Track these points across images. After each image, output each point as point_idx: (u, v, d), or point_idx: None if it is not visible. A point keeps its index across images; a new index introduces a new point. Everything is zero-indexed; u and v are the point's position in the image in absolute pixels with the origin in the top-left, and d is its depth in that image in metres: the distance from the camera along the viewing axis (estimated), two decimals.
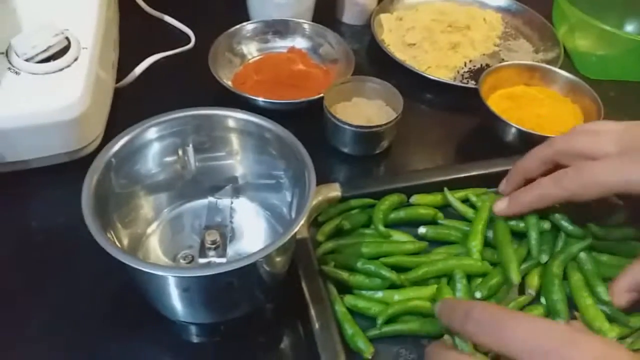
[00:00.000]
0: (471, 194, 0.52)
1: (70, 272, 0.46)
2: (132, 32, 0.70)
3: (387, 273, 0.44)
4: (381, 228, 0.48)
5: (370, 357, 0.41)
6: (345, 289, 0.45)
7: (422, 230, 0.49)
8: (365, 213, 0.50)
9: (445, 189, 0.52)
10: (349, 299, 0.44)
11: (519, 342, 0.30)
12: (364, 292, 0.45)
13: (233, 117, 0.42)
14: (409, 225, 0.50)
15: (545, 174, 0.46)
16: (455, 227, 0.50)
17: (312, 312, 0.41)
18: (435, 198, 0.52)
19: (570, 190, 0.43)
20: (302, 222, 0.36)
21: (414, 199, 0.52)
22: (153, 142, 0.42)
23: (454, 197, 0.51)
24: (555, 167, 0.46)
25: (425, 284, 0.46)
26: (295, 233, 0.36)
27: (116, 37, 0.66)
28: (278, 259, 0.39)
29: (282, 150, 0.42)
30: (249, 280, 0.38)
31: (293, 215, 0.43)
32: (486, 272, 0.46)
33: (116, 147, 0.39)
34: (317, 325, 0.41)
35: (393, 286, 0.45)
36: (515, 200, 0.47)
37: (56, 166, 0.52)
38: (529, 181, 0.48)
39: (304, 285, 0.43)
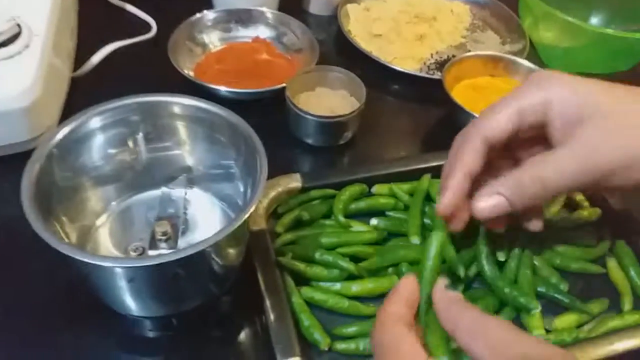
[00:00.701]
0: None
1: (20, 266, 0.44)
2: (92, 20, 0.68)
3: (344, 264, 0.44)
4: (341, 218, 0.48)
5: (326, 349, 0.41)
6: (304, 281, 0.44)
7: (373, 221, 0.49)
8: (326, 204, 0.49)
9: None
10: (306, 291, 0.43)
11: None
12: (322, 283, 0.44)
13: (180, 103, 0.41)
14: (371, 215, 0.50)
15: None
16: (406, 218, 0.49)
17: (268, 303, 0.41)
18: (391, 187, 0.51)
19: (478, 125, 0.40)
20: (251, 209, 0.35)
21: (375, 189, 0.51)
22: (97, 131, 0.41)
23: (398, 188, 0.51)
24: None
25: (382, 274, 0.45)
26: (246, 222, 0.35)
27: (74, 25, 0.64)
28: (229, 249, 0.38)
29: (232, 137, 0.41)
30: (197, 270, 0.37)
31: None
32: None
33: (57, 138, 0.38)
34: (272, 317, 0.40)
35: (351, 277, 0.44)
36: (445, 188, 0.40)
37: (7, 157, 0.50)
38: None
39: (259, 276, 0.42)
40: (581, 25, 0.64)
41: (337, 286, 0.44)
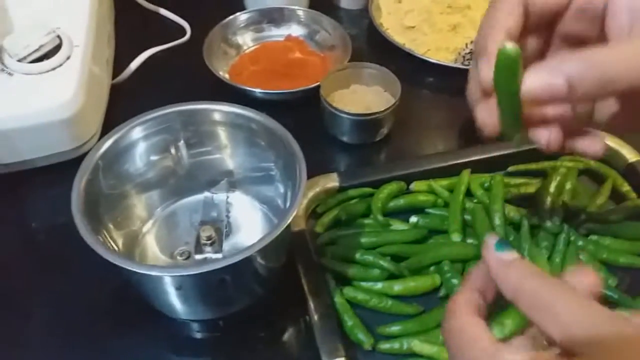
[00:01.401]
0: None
1: (71, 271, 0.46)
2: (128, 26, 0.69)
3: (385, 263, 0.44)
4: (380, 217, 0.48)
5: (370, 349, 0.41)
6: (345, 280, 0.45)
7: (413, 219, 0.48)
8: (364, 202, 0.49)
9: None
10: (348, 291, 0.44)
11: None
12: (363, 283, 0.44)
13: (219, 110, 0.42)
14: (410, 213, 0.49)
15: None
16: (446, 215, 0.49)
17: (311, 304, 0.41)
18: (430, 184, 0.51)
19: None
20: (293, 215, 0.35)
21: (414, 186, 0.51)
22: (140, 141, 0.42)
23: (437, 185, 0.50)
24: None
25: (425, 272, 0.45)
26: (289, 226, 0.36)
27: (111, 33, 0.65)
28: (272, 253, 0.39)
29: (271, 141, 0.42)
30: (243, 275, 0.38)
31: (288, 205, 0.42)
32: (475, 255, 0.45)
33: (102, 149, 0.39)
34: (315, 317, 0.41)
35: (393, 276, 0.44)
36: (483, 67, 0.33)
37: (54, 165, 0.52)
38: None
39: (302, 278, 0.43)
40: None
41: (379, 286, 0.44)
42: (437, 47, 0.67)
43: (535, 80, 0.29)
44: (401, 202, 0.50)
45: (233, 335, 0.43)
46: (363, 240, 0.46)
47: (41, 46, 0.51)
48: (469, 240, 0.47)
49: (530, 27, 0.33)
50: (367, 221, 0.49)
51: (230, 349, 0.42)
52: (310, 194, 0.48)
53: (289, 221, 0.35)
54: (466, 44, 0.69)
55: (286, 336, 0.43)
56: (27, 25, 0.52)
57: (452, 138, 0.60)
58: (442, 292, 0.44)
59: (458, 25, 0.70)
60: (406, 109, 0.58)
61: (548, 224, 0.47)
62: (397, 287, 0.44)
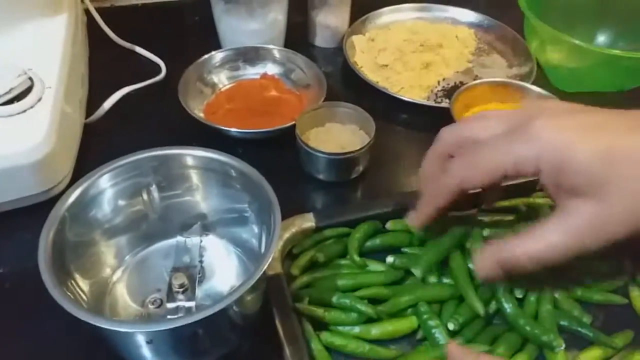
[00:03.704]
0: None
1: (41, 319, 0.45)
2: (102, 64, 0.69)
3: (363, 307, 0.43)
4: (356, 258, 0.47)
5: None
6: (322, 324, 0.44)
7: (389, 259, 0.48)
8: (341, 243, 0.49)
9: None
10: (326, 337, 0.43)
11: None
12: (340, 327, 0.44)
13: (192, 154, 0.42)
14: (387, 252, 0.49)
15: None
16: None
17: (287, 351, 0.40)
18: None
19: (459, 175, 0.40)
20: (268, 262, 0.35)
21: (389, 225, 0.51)
22: (109, 188, 0.41)
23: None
24: None
25: (402, 315, 0.45)
26: (264, 274, 0.35)
27: (85, 72, 0.65)
28: (246, 301, 0.38)
29: (245, 183, 0.41)
30: (217, 326, 0.37)
31: (263, 248, 0.42)
32: (452, 295, 0.45)
33: (70, 200, 0.38)
34: None
35: (370, 320, 0.44)
36: (420, 208, 0.45)
37: (22, 209, 0.51)
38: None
39: (278, 324, 0.41)
40: (588, 47, 0.64)
41: (357, 330, 0.43)
42: (411, 84, 0.68)
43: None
44: (377, 241, 0.50)
45: None
46: (340, 282, 0.45)
47: (12, 89, 0.50)
48: (445, 280, 0.47)
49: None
50: (343, 262, 0.48)
51: None
52: (286, 235, 0.48)
53: (263, 269, 0.35)
54: (438, 81, 0.71)
55: None
56: None
57: None
58: (419, 335, 0.44)
59: (430, 64, 0.71)
60: (380, 146, 0.59)
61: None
62: (375, 330, 0.43)
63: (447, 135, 0.43)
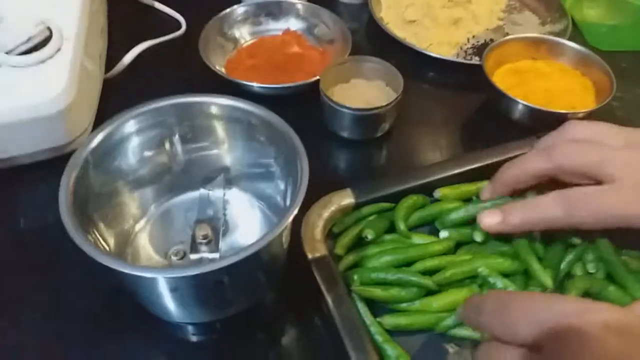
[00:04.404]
0: None
1: (61, 274, 0.44)
2: (122, 20, 0.67)
3: (422, 280, 0.41)
4: (404, 230, 0.44)
5: None
6: (375, 305, 0.41)
7: (443, 234, 0.45)
8: (384, 218, 0.46)
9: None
10: (389, 320, 0.40)
11: (521, 324, 0.27)
12: (400, 305, 0.41)
13: (216, 103, 0.40)
14: (432, 224, 0.46)
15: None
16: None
17: (347, 342, 0.37)
18: (458, 190, 0.48)
19: (579, 218, 0.39)
20: (294, 213, 0.33)
21: (438, 193, 0.47)
22: (132, 135, 0.40)
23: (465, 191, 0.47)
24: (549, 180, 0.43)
25: (459, 285, 0.42)
26: (289, 225, 0.34)
27: (104, 26, 0.63)
28: (272, 253, 0.37)
29: (271, 136, 0.40)
30: (241, 277, 0.36)
31: (288, 203, 0.40)
32: (516, 270, 0.43)
33: (93, 144, 0.37)
34: (355, 356, 0.36)
35: (428, 293, 0.42)
36: (510, 217, 0.41)
37: (44, 162, 0.50)
38: (516, 191, 0.44)
39: (333, 311, 0.38)
40: (628, 1, 0.60)
41: (417, 304, 0.41)
42: (439, 41, 0.66)
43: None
44: (426, 213, 0.46)
45: (231, 338, 0.41)
46: (391, 258, 0.42)
47: (30, 38, 0.49)
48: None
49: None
50: (388, 237, 0.45)
51: (229, 352, 0.40)
52: (326, 214, 0.44)
53: (290, 219, 0.33)
54: (468, 39, 0.68)
55: (286, 340, 0.42)
56: (16, 16, 0.50)
57: (454, 133, 0.58)
58: None
59: (460, 20, 0.68)
60: (408, 104, 0.56)
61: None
62: (436, 303, 0.41)
63: (561, 158, 0.41)
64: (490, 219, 0.42)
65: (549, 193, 0.41)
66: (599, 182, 0.40)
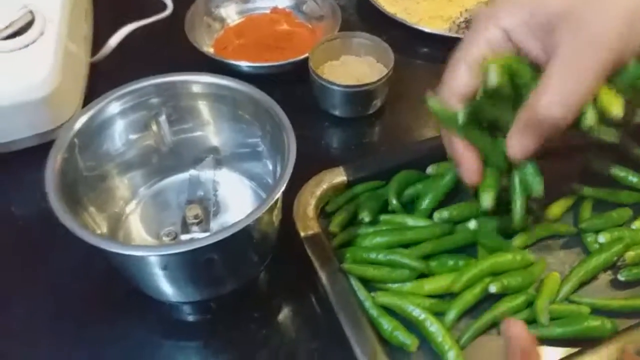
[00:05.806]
0: None
1: (53, 259, 0.44)
2: (107, 1, 0.66)
3: (414, 263, 0.40)
4: (396, 205, 0.44)
5: (415, 350, 0.38)
6: (366, 283, 0.41)
7: (437, 215, 0.44)
8: (377, 197, 0.45)
9: None
10: (382, 297, 0.40)
11: None
12: (390, 285, 0.41)
13: (199, 81, 0.39)
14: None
15: None
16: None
17: (342, 316, 0.37)
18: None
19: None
20: (283, 188, 0.33)
21: (430, 169, 0.47)
22: (117, 117, 0.39)
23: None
24: None
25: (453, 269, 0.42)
26: (279, 202, 0.34)
27: (88, 8, 0.62)
28: (262, 230, 0.37)
29: (256, 113, 0.39)
30: (231, 253, 0.35)
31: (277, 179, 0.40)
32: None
33: (77, 126, 0.36)
34: (349, 329, 0.37)
35: (421, 276, 0.41)
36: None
37: (31, 149, 0.50)
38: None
39: (327, 287, 0.39)
40: None
41: (408, 286, 0.40)
42: (430, 16, 0.65)
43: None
44: (419, 187, 0.46)
45: (225, 317, 0.41)
46: (385, 239, 0.42)
47: (12, 22, 0.48)
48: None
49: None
50: (383, 217, 0.45)
51: (223, 331, 0.40)
52: (318, 192, 0.44)
53: (278, 195, 0.33)
54: (460, 12, 0.67)
55: (280, 317, 0.41)
56: None
57: None
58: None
59: None
60: (399, 81, 0.56)
61: None
62: (428, 286, 0.40)
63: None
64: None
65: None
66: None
